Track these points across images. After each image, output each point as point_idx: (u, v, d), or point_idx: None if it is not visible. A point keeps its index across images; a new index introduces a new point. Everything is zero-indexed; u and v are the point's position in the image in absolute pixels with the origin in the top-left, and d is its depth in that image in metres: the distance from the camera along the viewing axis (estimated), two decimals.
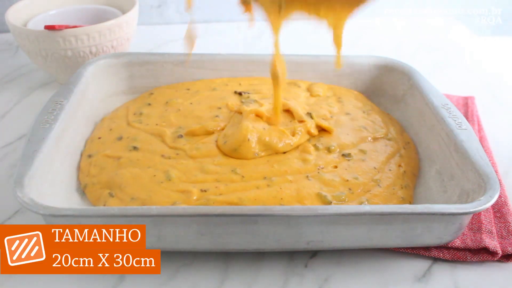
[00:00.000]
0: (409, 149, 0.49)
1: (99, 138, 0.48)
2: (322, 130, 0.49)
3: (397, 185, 0.44)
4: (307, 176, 0.43)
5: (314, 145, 0.47)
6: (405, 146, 0.49)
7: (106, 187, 0.42)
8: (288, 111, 0.50)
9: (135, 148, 0.46)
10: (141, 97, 0.55)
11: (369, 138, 0.49)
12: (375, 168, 0.45)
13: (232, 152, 0.45)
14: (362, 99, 0.56)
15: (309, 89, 0.56)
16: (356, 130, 0.50)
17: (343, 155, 0.46)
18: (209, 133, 0.48)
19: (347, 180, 0.43)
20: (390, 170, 0.45)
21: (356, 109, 0.53)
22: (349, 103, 0.54)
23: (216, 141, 0.47)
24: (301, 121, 0.49)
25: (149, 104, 0.53)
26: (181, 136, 0.47)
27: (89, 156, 0.45)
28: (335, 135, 0.49)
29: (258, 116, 0.49)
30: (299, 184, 0.42)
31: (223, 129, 0.49)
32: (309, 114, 0.50)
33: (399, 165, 0.46)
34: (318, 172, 0.44)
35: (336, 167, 0.45)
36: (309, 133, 0.48)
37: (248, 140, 0.45)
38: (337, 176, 0.44)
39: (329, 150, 0.47)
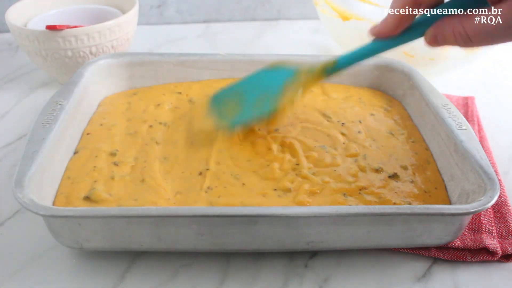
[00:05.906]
0: (429, 151, 0.46)
1: (88, 134, 0.46)
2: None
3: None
4: (344, 194, 0.40)
5: (359, 165, 0.43)
6: (425, 151, 0.46)
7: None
8: (289, 146, 0.45)
9: (94, 168, 0.42)
10: (122, 94, 0.53)
11: (400, 146, 0.46)
12: (425, 192, 0.41)
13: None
14: (378, 94, 0.55)
15: (325, 92, 0.54)
16: (386, 138, 0.47)
17: (389, 176, 0.42)
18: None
19: (395, 203, 0.39)
20: (436, 188, 0.42)
21: (379, 108, 0.52)
22: (369, 101, 0.53)
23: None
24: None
25: (129, 103, 0.51)
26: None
27: (75, 152, 0.44)
28: (373, 151, 0.45)
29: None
30: (327, 198, 0.39)
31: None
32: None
33: (436, 188, 0.42)
34: (360, 193, 0.40)
35: (384, 187, 0.41)
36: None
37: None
38: (382, 198, 0.40)
39: (376, 171, 0.43)
